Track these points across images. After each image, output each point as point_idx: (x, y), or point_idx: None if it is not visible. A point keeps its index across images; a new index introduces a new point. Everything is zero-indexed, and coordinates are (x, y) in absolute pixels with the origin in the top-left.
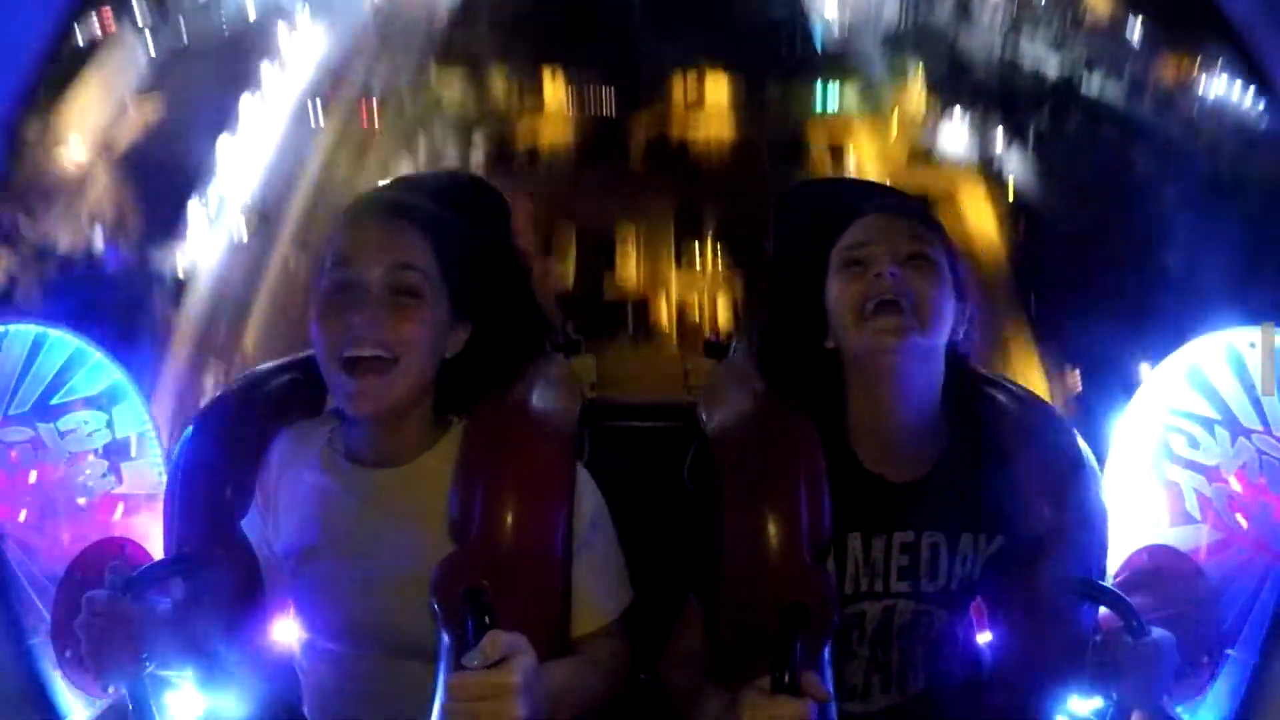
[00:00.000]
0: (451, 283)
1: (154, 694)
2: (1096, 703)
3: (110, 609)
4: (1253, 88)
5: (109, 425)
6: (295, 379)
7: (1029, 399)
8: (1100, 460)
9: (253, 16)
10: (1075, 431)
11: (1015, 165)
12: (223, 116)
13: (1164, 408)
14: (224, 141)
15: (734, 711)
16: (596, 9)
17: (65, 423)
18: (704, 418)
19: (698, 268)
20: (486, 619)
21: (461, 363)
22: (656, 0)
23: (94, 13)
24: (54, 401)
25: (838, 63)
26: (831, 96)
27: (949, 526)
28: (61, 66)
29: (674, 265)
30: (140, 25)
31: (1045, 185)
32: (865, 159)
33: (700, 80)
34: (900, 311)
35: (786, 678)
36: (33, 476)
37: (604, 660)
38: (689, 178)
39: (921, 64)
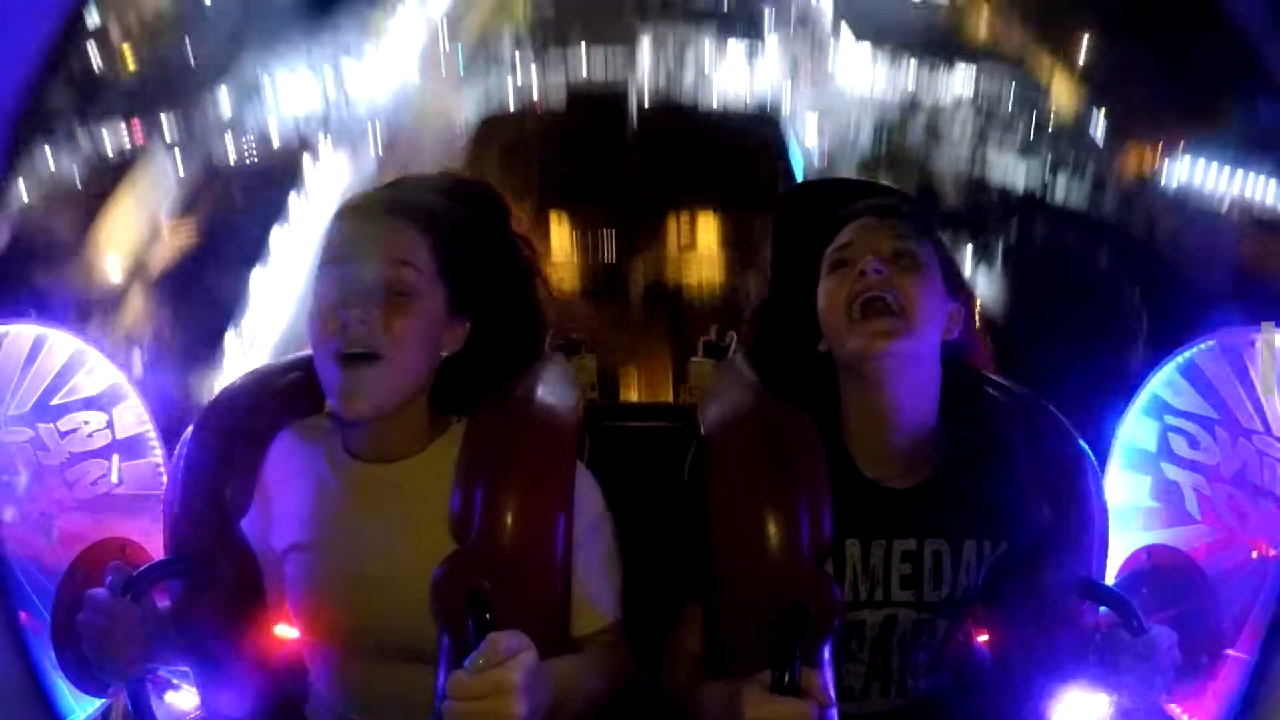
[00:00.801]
0: (449, 280)
1: (154, 694)
2: (1097, 701)
3: (110, 609)
4: (1219, 167)
5: (109, 425)
6: (296, 379)
7: (1028, 399)
8: (1100, 460)
9: (276, 144)
10: (1075, 432)
11: (982, 287)
12: (253, 246)
13: (1164, 408)
14: (256, 273)
15: (736, 709)
16: (596, 157)
17: (65, 423)
18: (703, 418)
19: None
20: (487, 619)
21: (461, 361)
22: (649, 150)
23: (124, 125)
24: (54, 402)
25: None
26: None
27: (952, 534)
28: (95, 177)
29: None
30: (169, 142)
31: (1012, 301)
32: None
33: (692, 222)
34: (888, 312)
35: (787, 678)
36: (33, 477)
37: (605, 661)
38: (684, 313)
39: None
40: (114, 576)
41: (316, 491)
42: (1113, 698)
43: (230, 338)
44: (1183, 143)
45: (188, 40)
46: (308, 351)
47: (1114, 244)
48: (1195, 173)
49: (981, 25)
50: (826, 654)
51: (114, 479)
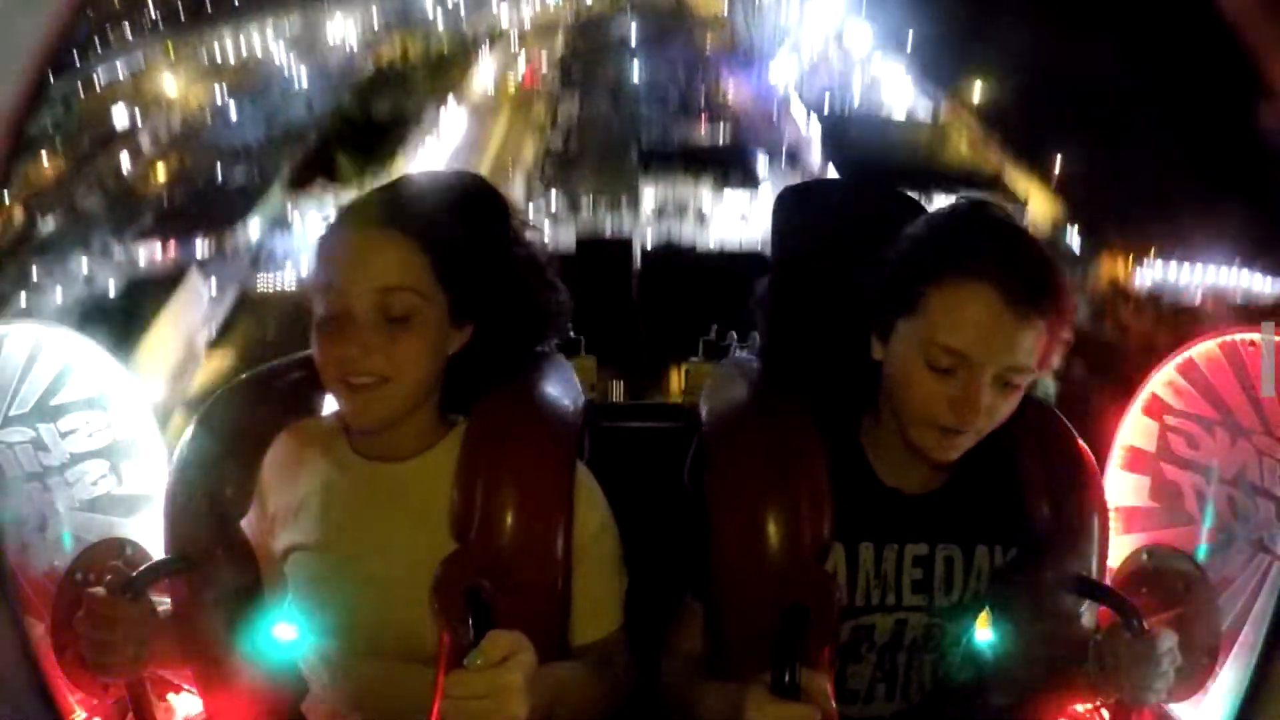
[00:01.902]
0: (449, 288)
1: (154, 694)
2: (1097, 701)
3: (110, 609)
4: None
5: (109, 425)
6: (297, 379)
7: (1030, 401)
8: (1100, 460)
9: (306, 271)
10: (1075, 433)
11: None
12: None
13: (1164, 408)
14: None
15: (738, 711)
16: (604, 307)
17: (65, 423)
18: (703, 418)
19: None
20: (486, 618)
21: (466, 359)
22: (652, 297)
23: (160, 245)
24: (54, 402)
25: None
26: None
27: (964, 539)
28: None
29: None
30: (200, 260)
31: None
32: None
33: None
34: (968, 435)
35: (788, 678)
36: (33, 477)
37: (608, 667)
38: None
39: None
40: (113, 576)
41: (320, 490)
42: (1113, 698)
43: None
44: (1153, 248)
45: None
46: (307, 352)
47: (1087, 354)
48: (1167, 273)
49: (963, 144)
50: (827, 655)
51: (114, 479)
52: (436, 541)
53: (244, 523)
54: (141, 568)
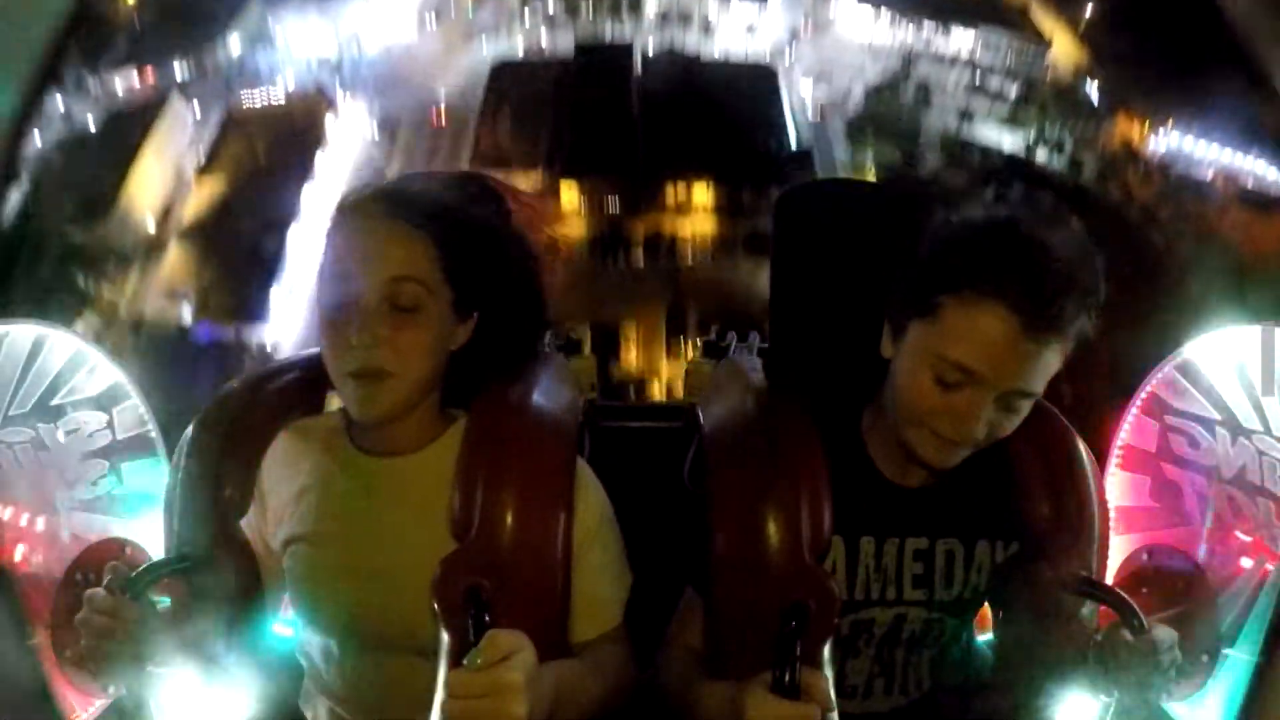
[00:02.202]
0: (454, 281)
1: (154, 694)
2: (1098, 701)
3: (110, 608)
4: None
5: (109, 425)
6: (297, 378)
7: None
8: (1100, 460)
9: (292, 86)
10: (1075, 432)
11: None
12: (286, 202)
13: (1164, 408)
14: (294, 230)
15: (738, 710)
16: (603, 117)
17: (66, 423)
18: (703, 417)
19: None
20: (486, 618)
21: (468, 354)
22: (653, 120)
23: (136, 73)
24: (54, 402)
25: (804, 166)
26: None
27: (965, 534)
28: (113, 132)
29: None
30: (181, 82)
31: None
32: None
33: (689, 188)
34: (965, 448)
35: (788, 677)
36: (33, 477)
37: (607, 665)
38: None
39: (875, 160)
40: (112, 575)
41: (319, 484)
42: (1113, 698)
43: (276, 292)
44: (1171, 118)
45: None
46: (307, 351)
47: (1090, 212)
48: (1184, 143)
49: None
50: (827, 654)
51: (114, 479)
52: (435, 536)
53: (244, 522)
54: (141, 567)
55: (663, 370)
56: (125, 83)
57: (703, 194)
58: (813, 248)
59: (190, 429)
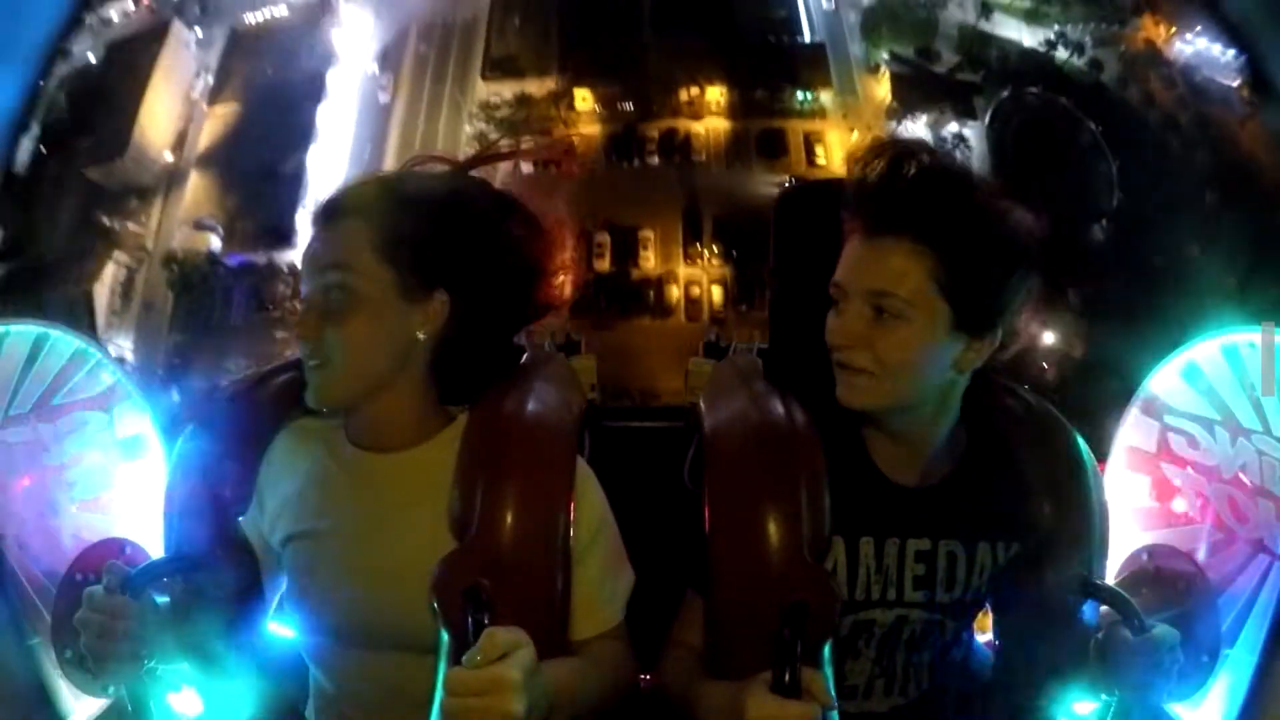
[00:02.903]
0: (397, 262)
1: (154, 693)
2: (1098, 701)
3: (109, 606)
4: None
5: (109, 425)
6: (296, 378)
7: (1031, 401)
8: (1100, 460)
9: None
10: (1076, 432)
11: (974, 147)
12: (302, 120)
13: (1164, 408)
14: (312, 151)
15: (739, 710)
16: (612, 28)
17: (65, 423)
18: (703, 418)
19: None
20: (486, 617)
21: (453, 341)
22: (663, 17)
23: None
24: (54, 401)
25: (818, 66)
26: (808, 101)
27: (967, 535)
28: (117, 64)
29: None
30: (180, 11)
31: (998, 166)
32: (834, 151)
33: (701, 91)
34: (859, 376)
35: (788, 677)
36: (33, 477)
37: (608, 664)
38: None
39: (887, 66)
40: (111, 575)
41: (316, 480)
42: (1113, 698)
43: (302, 216)
44: (1200, 21)
45: None
46: None
47: (1107, 116)
48: (1210, 49)
49: None
50: (826, 653)
51: (114, 479)
52: (434, 533)
53: (243, 521)
54: (140, 566)
55: (680, 273)
56: (121, 9)
57: (715, 93)
58: (813, 247)
59: (190, 428)
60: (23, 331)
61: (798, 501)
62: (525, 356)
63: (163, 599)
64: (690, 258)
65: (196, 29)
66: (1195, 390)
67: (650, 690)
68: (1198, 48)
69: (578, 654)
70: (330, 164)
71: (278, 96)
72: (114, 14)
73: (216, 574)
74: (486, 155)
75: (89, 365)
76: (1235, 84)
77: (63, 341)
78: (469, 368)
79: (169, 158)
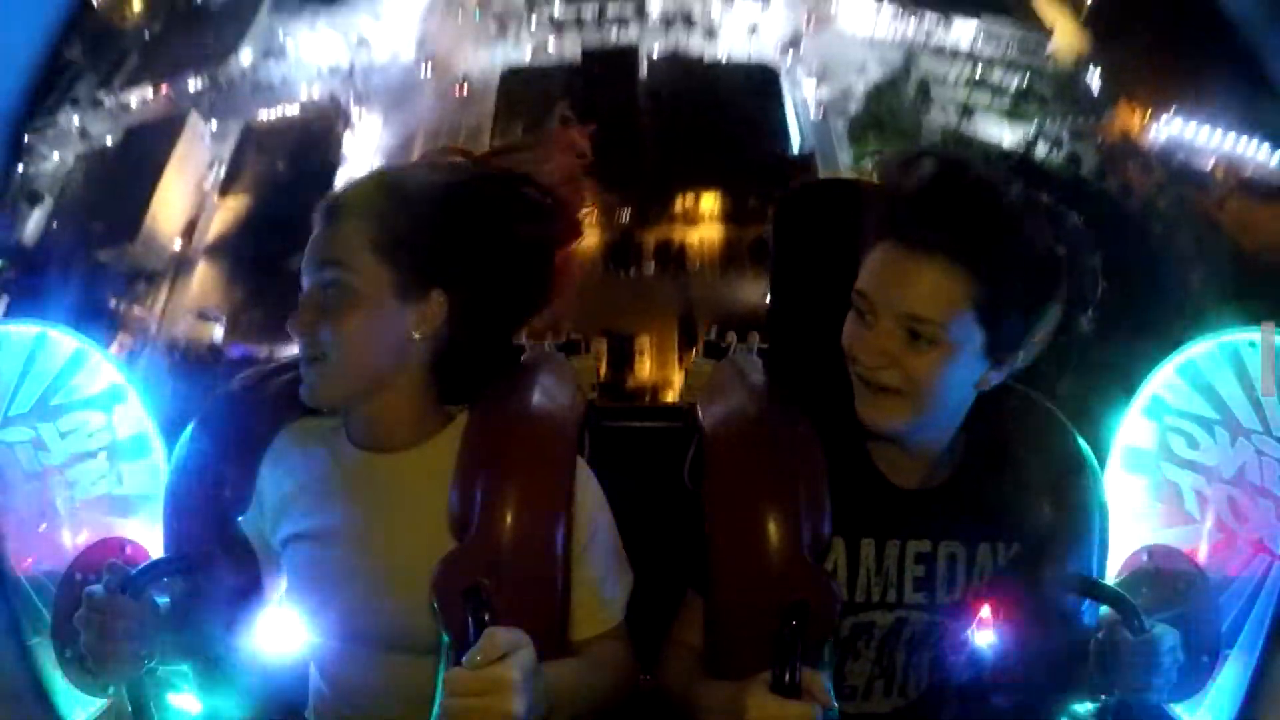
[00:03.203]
0: (393, 262)
1: (154, 693)
2: (1098, 701)
3: (109, 606)
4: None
5: (109, 425)
6: (296, 378)
7: (1031, 400)
8: (1100, 460)
9: (305, 97)
10: (1076, 432)
11: None
12: (309, 215)
13: (1164, 408)
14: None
15: (739, 710)
16: (610, 123)
17: (66, 423)
18: (703, 418)
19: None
20: (486, 616)
21: (455, 341)
22: (659, 127)
23: (152, 89)
24: (54, 401)
25: (808, 169)
26: None
27: (968, 537)
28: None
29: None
30: (195, 95)
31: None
32: None
33: (696, 199)
34: (889, 399)
35: (788, 677)
36: (33, 477)
37: (608, 663)
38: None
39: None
40: (110, 574)
41: (317, 480)
42: (1113, 698)
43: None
44: (1173, 105)
45: None
46: None
47: (1089, 206)
48: (1184, 132)
49: None
50: (826, 654)
51: (114, 479)
52: (432, 533)
53: (243, 521)
54: (141, 566)
55: (675, 379)
56: (141, 98)
57: (709, 201)
58: (812, 248)
59: (190, 428)
60: (23, 331)
61: (798, 502)
62: (525, 356)
63: (163, 599)
64: (685, 366)
65: (212, 121)
66: (1195, 390)
67: (650, 690)
68: (1172, 132)
69: (578, 654)
70: None
71: (287, 193)
72: (133, 100)
73: (216, 574)
74: (506, 148)
75: (88, 365)
76: (1209, 166)
77: (62, 342)
78: (468, 367)
79: (178, 245)
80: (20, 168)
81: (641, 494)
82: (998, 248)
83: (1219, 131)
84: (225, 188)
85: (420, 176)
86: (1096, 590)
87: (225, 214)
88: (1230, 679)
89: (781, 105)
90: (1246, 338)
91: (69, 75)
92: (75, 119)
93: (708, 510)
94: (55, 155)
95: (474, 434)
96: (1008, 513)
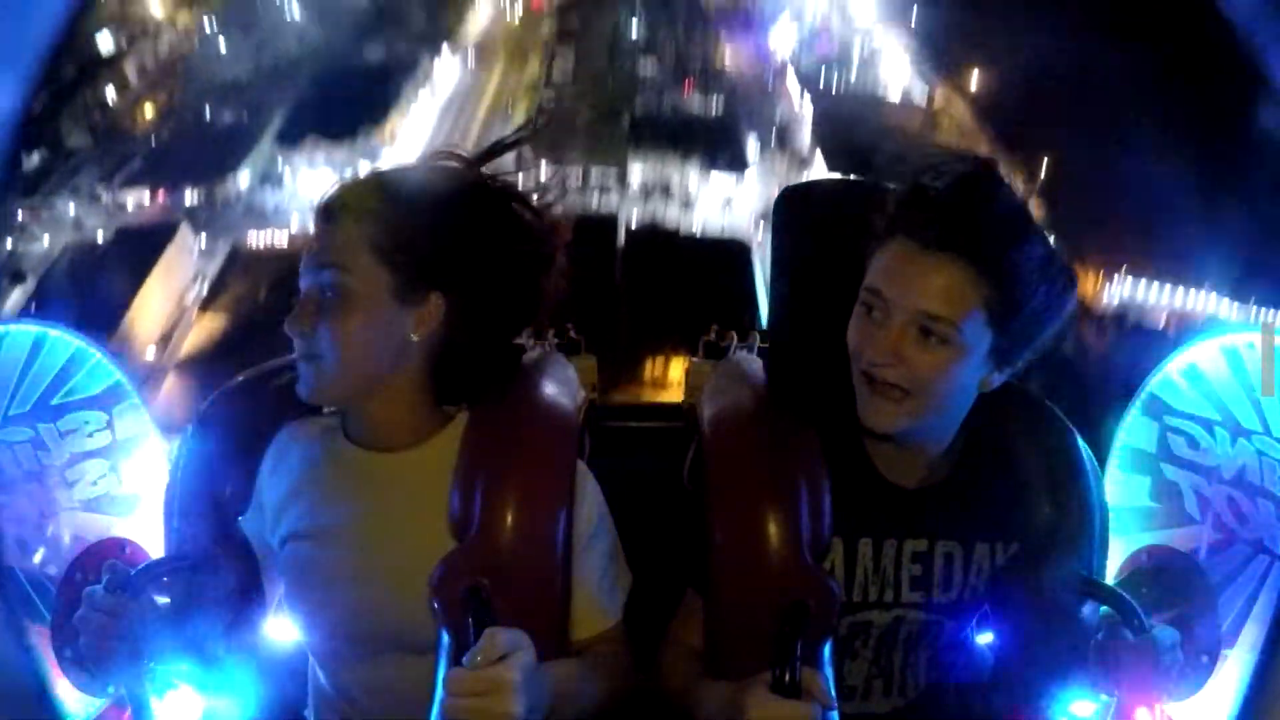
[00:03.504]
0: (392, 265)
1: (154, 693)
2: (1098, 702)
3: (109, 605)
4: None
5: (109, 425)
6: (295, 378)
7: (1030, 400)
8: (1100, 460)
9: (296, 229)
10: (1076, 432)
11: None
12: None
13: (1164, 408)
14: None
15: (739, 710)
16: (587, 286)
17: (65, 423)
18: (703, 418)
19: None
20: (485, 617)
21: (452, 343)
22: (634, 277)
23: (149, 193)
24: (54, 401)
25: None
26: None
27: (964, 535)
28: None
29: None
30: (189, 209)
31: None
32: None
33: (666, 363)
34: (893, 398)
35: (788, 677)
36: (33, 477)
37: (607, 663)
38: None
39: None
40: (111, 575)
41: (315, 480)
42: (1113, 698)
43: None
44: (1125, 264)
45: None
46: None
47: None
48: (1137, 291)
49: (954, 133)
50: (826, 653)
51: (114, 479)
52: (431, 533)
53: (243, 521)
54: (141, 566)
55: None
56: (137, 200)
57: (678, 368)
58: (812, 247)
59: (190, 428)
60: (23, 331)
61: (798, 502)
62: (525, 356)
63: (163, 599)
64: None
65: (203, 235)
66: (1195, 390)
67: (649, 690)
68: (1124, 293)
69: (577, 654)
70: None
71: (264, 315)
72: (130, 201)
73: (216, 574)
74: (501, 146)
75: (89, 365)
76: (1161, 324)
77: (62, 342)
78: (466, 370)
79: (151, 354)
80: (9, 244)
81: (641, 494)
82: (1015, 251)
83: (1169, 287)
84: (205, 304)
85: (419, 179)
86: (1096, 590)
87: (202, 330)
88: (1230, 679)
89: (750, 277)
90: (1247, 338)
91: (73, 164)
92: (71, 207)
93: (708, 510)
94: (46, 238)
95: (474, 434)
96: (1006, 512)
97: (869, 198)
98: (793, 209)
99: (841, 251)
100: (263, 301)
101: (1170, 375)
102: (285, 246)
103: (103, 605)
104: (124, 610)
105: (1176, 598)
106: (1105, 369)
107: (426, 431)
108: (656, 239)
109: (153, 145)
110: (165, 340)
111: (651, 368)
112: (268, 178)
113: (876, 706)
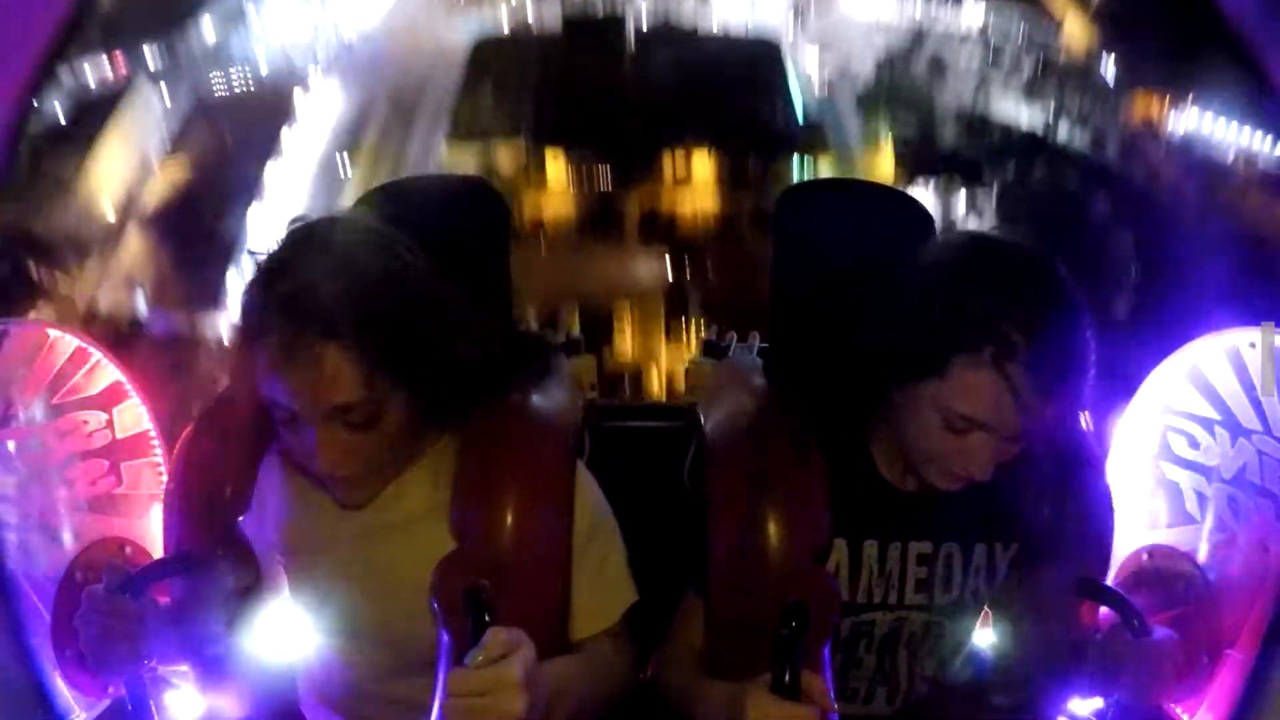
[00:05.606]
0: (407, 382)
1: (154, 693)
2: (1098, 702)
3: (109, 606)
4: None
5: (109, 425)
6: None
7: None
8: (1100, 460)
9: (264, 73)
10: (1078, 431)
11: (976, 224)
12: (248, 182)
13: (1164, 408)
14: (254, 209)
15: (739, 711)
16: (592, 92)
17: (65, 423)
18: (703, 418)
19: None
20: (486, 617)
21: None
22: (647, 83)
23: (106, 58)
24: (54, 402)
25: (815, 136)
26: (808, 169)
27: (966, 537)
28: (79, 116)
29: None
30: (154, 75)
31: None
32: None
33: (688, 158)
34: (969, 481)
35: (788, 678)
36: (33, 477)
37: (607, 662)
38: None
39: (891, 133)
40: (111, 575)
41: (313, 486)
42: (1113, 698)
43: (233, 276)
44: (1191, 94)
45: None
46: None
47: (1114, 190)
48: (1202, 123)
49: None
50: (826, 655)
51: (114, 479)
52: (431, 541)
53: (243, 522)
54: (141, 566)
55: (661, 361)
56: (97, 72)
57: (703, 165)
58: (812, 248)
59: (190, 428)
60: (22, 331)
61: (797, 502)
62: (523, 357)
63: (163, 599)
64: (674, 342)
65: (164, 90)
66: (1195, 390)
67: (649, 690)
68: (1190, 124)
69: (578, 653)
70: (274, 221)
71: (230, 156)
72: (90, 75)
73: (216, 574)
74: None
75: (89, 365)
76: (1231, 159)
77: (62, 341)
78: (453, 401)
79: (112, 215)
80: None
81: (641, 494)
82: (1082, 378)
83: (1235, 125)
84: (169, 156)
85: (361, 261)
86: (1096, 590)
87: (164, 181)
88: (1230, 679)
89: (783, 77)
90: (1246, 338)
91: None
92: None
93: (708, 511)
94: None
95: (475, 436)
96: (1008, 513)
97: (870, 199)
98: (793, 209)
99: (842, 252)
100: (229, 143)
101: (1170, 374)
102: (253, 89)
103: (103, 605)
104: (124, 610)
105: (1176, 598)
106: (1177, 197)
107: (422, 448)
108: (671, 38)
109: (104, 6)
110: (128, 200)
111: (671, 165)
112: (231, 20)
113: (879, 707)
